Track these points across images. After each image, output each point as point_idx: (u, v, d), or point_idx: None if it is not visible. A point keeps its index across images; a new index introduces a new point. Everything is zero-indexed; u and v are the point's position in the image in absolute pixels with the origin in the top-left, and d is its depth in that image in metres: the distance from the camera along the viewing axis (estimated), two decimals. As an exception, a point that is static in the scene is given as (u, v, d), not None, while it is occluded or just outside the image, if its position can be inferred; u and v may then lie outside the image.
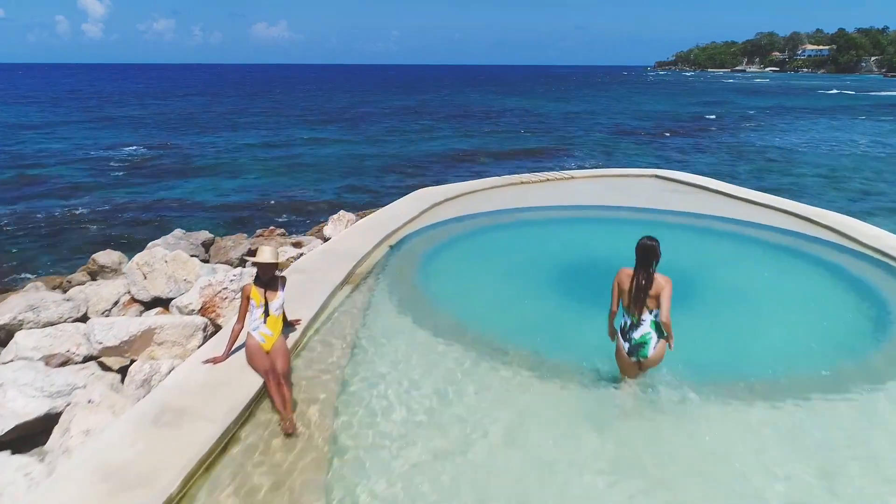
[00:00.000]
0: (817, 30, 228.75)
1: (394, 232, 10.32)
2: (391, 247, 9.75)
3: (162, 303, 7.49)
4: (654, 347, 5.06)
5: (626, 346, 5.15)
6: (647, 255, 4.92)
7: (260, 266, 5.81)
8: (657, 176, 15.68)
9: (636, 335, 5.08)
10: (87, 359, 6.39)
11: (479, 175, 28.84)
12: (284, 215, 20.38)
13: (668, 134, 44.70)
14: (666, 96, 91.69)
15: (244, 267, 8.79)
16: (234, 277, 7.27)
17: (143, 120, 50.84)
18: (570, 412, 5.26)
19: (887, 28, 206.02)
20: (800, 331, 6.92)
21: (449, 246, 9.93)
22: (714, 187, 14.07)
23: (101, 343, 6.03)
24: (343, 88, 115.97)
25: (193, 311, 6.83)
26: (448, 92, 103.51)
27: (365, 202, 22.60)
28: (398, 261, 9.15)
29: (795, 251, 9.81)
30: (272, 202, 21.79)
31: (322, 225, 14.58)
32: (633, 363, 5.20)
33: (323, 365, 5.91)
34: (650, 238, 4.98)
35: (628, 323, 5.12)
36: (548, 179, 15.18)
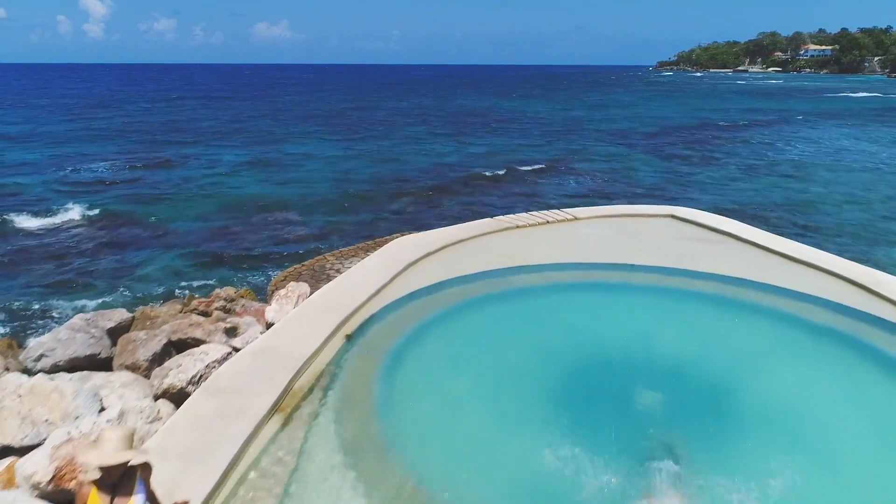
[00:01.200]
0: (820, 30, 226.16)
1: (354, 312, 8.29)
2: (348, 337, 7.72)
3: (15, 452, 5.47)
4: None
5: None
6: None
7: (102, 469, 3.80)
8: (673, 216, 13.63)
9: None
10: None
11: (476, 196, 27.06)
12: (254, 253, 18.22)
13: (676, 143, 42.58)
14: (673, 100, 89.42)
15: (148, 378, 6.70)
16: (112, 421, 5.24)
17: (126, 129, 48.59)
18: None
19: (890, 28, 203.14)
20: None
21: (422, 335, 7.90)
22: (743, 235, 12.00)
23: None
24: (342, 91, 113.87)
25: (40, 483, 4.81)
26: (448, 95, 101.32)
27: (349, 231, 20.61)
28: (354, 363, 7.14)
29: (859, 345, 7.73)
30: (240, 245, 19.00)
31: (287, 274, 12.62)
32: None
33: None
34: None
35: None
36: (547, 222, 13.13)
